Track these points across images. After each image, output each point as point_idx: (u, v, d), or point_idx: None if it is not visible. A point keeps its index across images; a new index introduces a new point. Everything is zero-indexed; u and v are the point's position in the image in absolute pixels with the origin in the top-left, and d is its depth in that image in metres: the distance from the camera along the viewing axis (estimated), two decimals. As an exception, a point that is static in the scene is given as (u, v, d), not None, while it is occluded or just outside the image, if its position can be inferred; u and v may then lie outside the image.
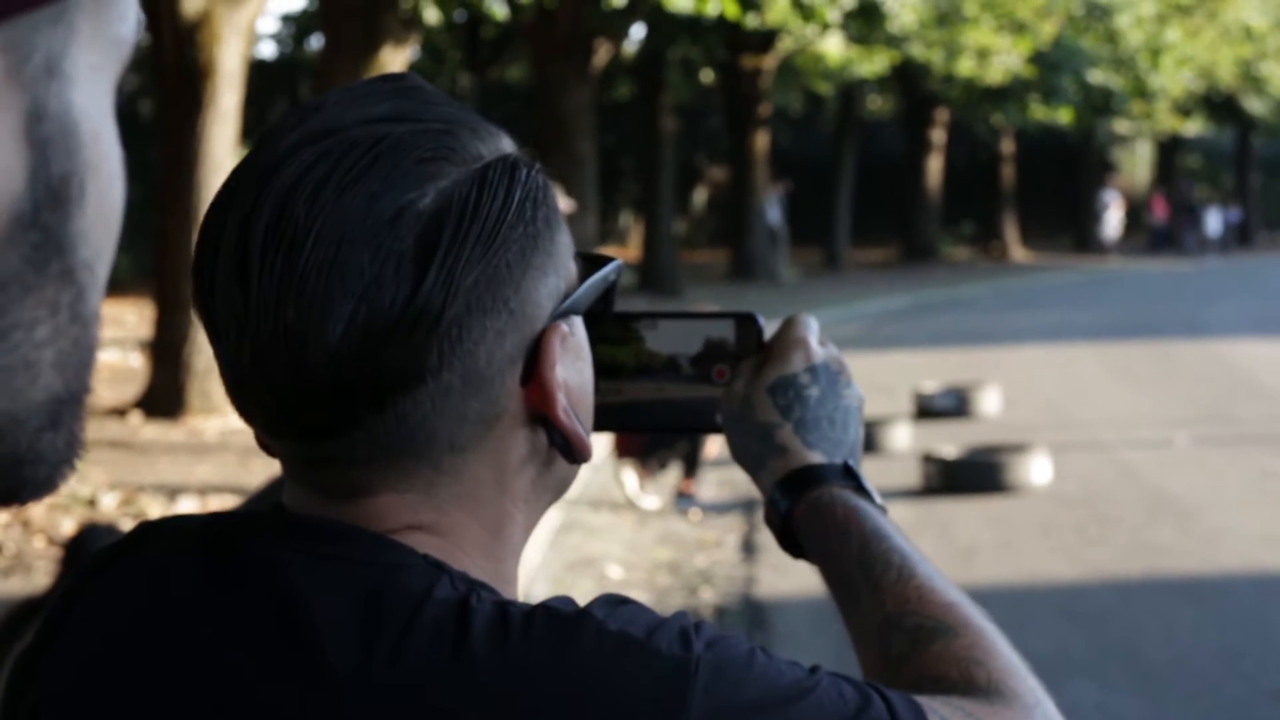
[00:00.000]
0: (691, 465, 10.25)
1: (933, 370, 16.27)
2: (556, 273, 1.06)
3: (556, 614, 0.98)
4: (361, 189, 0.98)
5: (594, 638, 0.97)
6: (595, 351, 1.14)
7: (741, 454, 1.40)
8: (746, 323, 1.40)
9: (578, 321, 1.10)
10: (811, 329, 1.41)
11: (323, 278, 0.97)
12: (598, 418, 1.25)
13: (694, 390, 1.40)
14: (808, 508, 1.33)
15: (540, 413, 1.06)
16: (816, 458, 1.35)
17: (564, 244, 1.08)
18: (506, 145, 1.06)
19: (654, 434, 7.15)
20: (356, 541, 1.02)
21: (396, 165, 0.99)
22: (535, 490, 1.10)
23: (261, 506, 1.11)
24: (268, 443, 1.08)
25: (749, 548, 8.97)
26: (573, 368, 1.08)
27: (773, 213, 32.62)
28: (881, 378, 15.22)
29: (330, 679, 0.95)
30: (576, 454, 1.09)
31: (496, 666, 0.95)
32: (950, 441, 11.61)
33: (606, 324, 1.34)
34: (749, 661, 1.01)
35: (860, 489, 1.34)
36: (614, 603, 1.02)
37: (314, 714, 0.96)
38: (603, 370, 1.32)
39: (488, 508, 1.06)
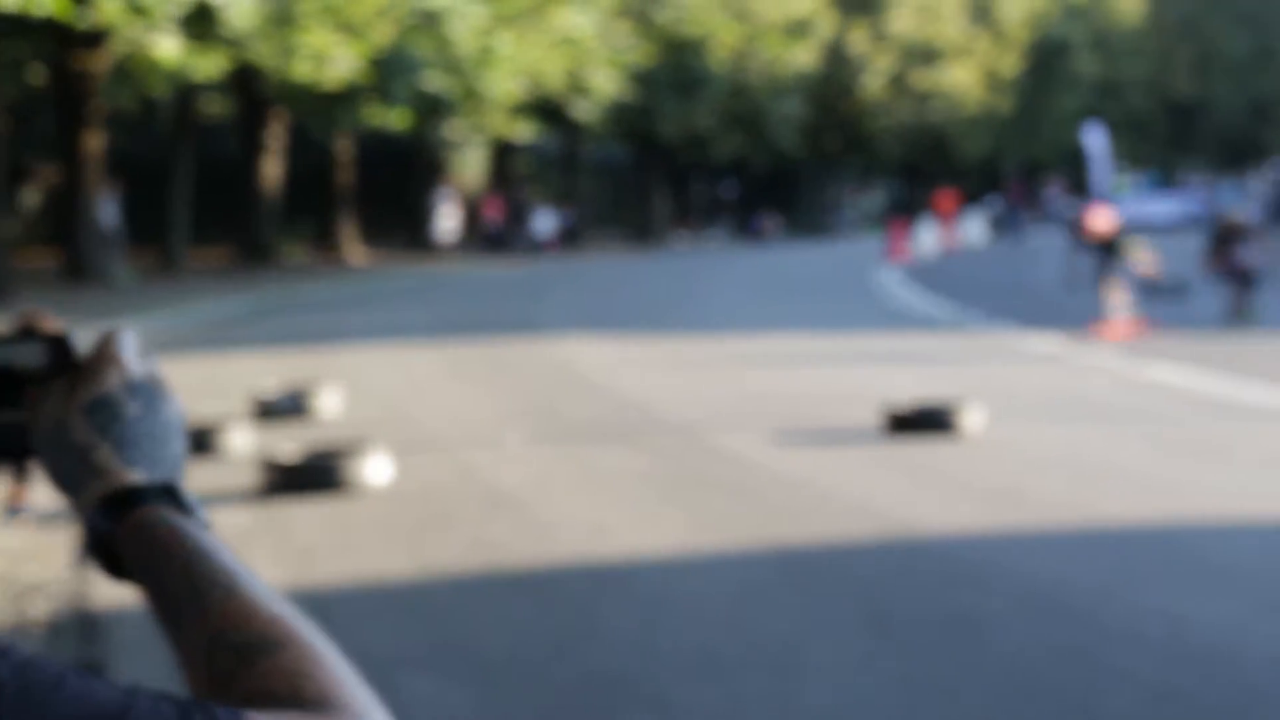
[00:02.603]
0: (22, 473, 9.83)
1: (272, 372, 16.19)
2: None
3: None
4: None
5: None
6: None
7: (59, 478, 1.35)
8: (57, 343, 1.37)
9: None
10: (128, 345, 1.38)
11: None
12: None
13: None
14: (130, 529, 1.29)
15: None
16: (137, 477, 1.32)
17: None
18: None
19: None
20: None
21: None
22: None
23: None
24: None
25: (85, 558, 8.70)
26: None
27: (107, 213, 31.70)
28: (220, 380, 15.03)
29: None
30: None
31: None
32: (290, 443, 11.60)
33: None
34: (59, 684, 0.98)
35: (183, 506, 1.31)
36: None
37: None
38: None
39: None
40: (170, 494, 1.32)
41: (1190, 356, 17.97)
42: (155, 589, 1.27)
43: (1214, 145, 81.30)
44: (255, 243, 38.40)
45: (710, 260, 42.63)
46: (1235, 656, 6.97)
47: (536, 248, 45.25)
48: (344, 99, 33.30)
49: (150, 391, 1.35)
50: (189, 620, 1.23)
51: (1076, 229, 20.74)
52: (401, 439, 12.33)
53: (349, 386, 14.92)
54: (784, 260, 40.18)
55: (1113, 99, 73.64)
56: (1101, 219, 20.42)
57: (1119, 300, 20.71)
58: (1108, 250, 20.77)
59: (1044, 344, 20.08)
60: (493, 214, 46.77)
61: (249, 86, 34.87)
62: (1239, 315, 21.55)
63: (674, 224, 57.63)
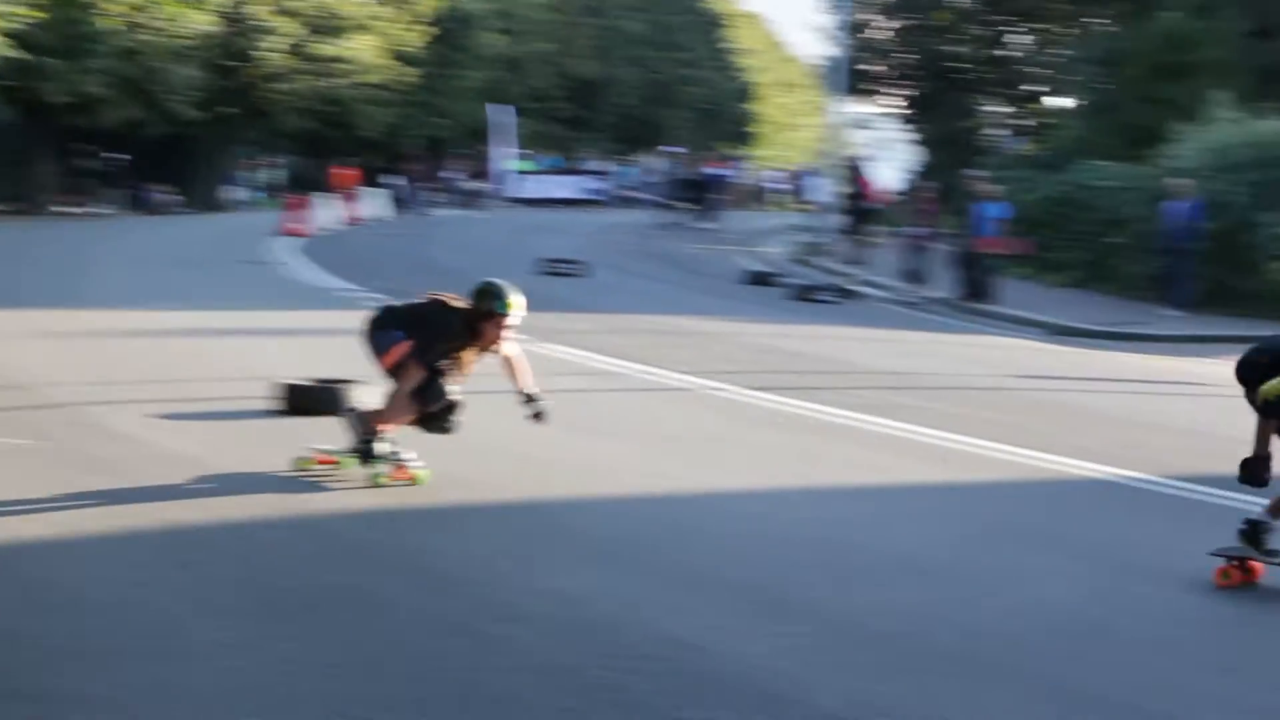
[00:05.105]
0: None
1: None
2: None
3: None
4: None
5: None
6: None
7: None
8: None
9: None
10: None
11: None
12: None
13: None
14: None
15: None
16: None
17: None
18: None
19: None
20: None
21: None
22: None
23: None
24: None
25: None
26: None
27: None
28: None
29: None
30: None
31: None
32: None
33: None
34: None
35: None
36: None
37: None
38: None
39: None
40: None
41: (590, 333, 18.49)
42: None
43: (613, 126, 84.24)
44: None
45: (101, 232, 41.07)
46: (622, 632, 7.19)
47: None
48: None
49: None
50: None
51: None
52: None
53: None
54: (180, 234, 39.19)
55: (517, 77, 75.19)
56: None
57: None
58: None
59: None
60: None
61: None
62: None
63: (61, 193, 55.35)
